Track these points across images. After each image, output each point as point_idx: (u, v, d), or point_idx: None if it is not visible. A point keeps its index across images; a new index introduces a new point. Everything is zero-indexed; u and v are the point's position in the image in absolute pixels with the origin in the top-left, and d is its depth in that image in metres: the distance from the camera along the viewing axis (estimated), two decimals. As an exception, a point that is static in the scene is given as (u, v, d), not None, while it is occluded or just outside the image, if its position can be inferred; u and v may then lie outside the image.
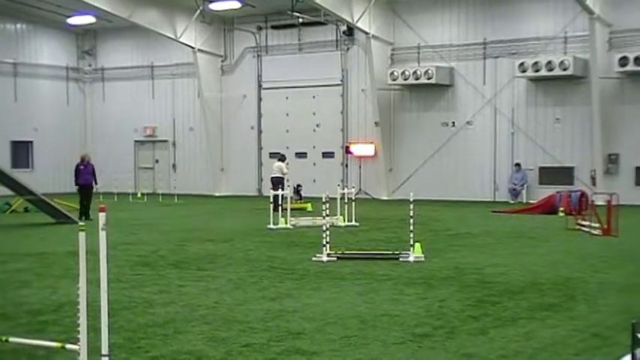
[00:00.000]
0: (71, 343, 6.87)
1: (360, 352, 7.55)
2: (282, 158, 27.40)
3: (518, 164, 30.20)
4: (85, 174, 22.94)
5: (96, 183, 23.38)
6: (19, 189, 22.72)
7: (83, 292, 6.75)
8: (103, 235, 6.68)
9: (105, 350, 6.63)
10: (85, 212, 22.33)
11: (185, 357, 7.41)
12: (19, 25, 38.15)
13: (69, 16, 36.46)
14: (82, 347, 6.72)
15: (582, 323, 8.83)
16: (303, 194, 27.92)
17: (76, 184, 23.13)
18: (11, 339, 7.48)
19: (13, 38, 37.96)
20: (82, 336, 6.72)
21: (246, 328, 8.64)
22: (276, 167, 26.93)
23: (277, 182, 25.63)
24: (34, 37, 38.76)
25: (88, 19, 36.54)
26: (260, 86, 36.18)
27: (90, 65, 40.95)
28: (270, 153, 35.35)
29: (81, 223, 6.93)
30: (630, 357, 2.80)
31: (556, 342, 7.94)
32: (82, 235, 6.69)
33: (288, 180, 26.17)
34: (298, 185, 28.27)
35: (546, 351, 7.55)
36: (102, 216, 6.70)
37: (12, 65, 37.61)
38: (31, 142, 37.98)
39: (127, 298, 10.41)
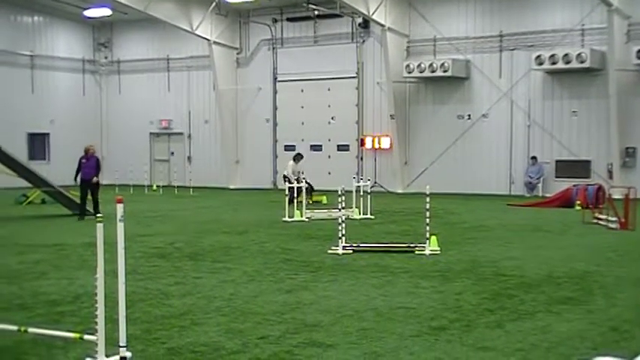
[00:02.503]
0: (89, 334, 6.92)
1: (377, 345, 7.55)
2: (295, 157, 27.06)
3: (534, 157, 30.07)
4: (87, 167, 21.24)
5: (97, 177, 21.45)
6: (36, 181, 22.86)
7: (101, 283, 6.78)
8: (120, 226, 6.71)
9: (122, 341, 6.66)
10: (94, 207, 20.85)
11: (202, 348, 7.43)
12: (35, 18, 38.28)
13: (85, 9, 36.62)
14: (99, 338, 6.77)
15: (600, 317, 8.79)
16: (314, 188, 27.09)
17: (77, 179, 21.40)
18: (30, 329, 7.54)
19: (29, 30, 38.11)
20: (100, 327, 6.76)
21: (262, 320, 8.66)
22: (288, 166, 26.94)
23: (285, 179, 25.07)
24: (51, 30, 38.91)
25: (104, 12, 36.66)
26: (275, 79, 36.17)
27: (106, 57, 41.06)
28: (285, 145, 35.37)
29: (99, 215, 6.97)
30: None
31: (573, 336, 7.92)
32: (99, 226, 6.73)
33: (297, 178, 24.86)
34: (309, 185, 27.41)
35: (563, 345, 7.52)
36: (120, 207, 6.72)
37: (29, 57, 37.77)
38: (48, 134, 38.15)
39: (144, 289, 10.45)
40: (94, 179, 21.06)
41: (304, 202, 21.83)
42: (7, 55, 36.80)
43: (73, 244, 15.30)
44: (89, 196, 21.03)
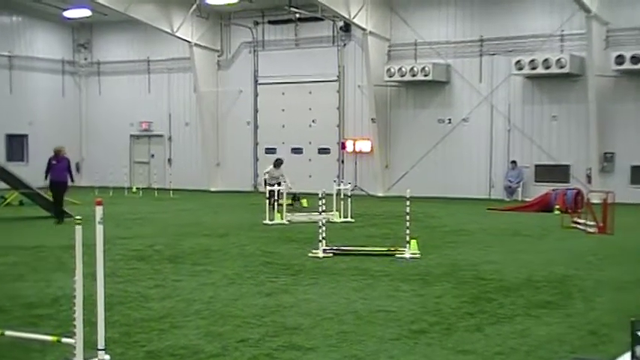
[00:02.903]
0: (67, 337, 6.87)
1: (356, 348, 7.55)
2: (275, 162, 25.24)
3: (514, 162, 30.22)
4: (58, 169, 20.49)
5: (72, 180, 21.14)
6: (14, 182, 22.71)
7: (79, 285, 6.74)
8: (99, 228, 6.67)
9: (101, 344, 6.63)
10: (59, 211, 20.41)
11: (181, 352, 7.40)
12: (14, 18, 38.00)
13: (64, 9, 36.37)
14: (78, 341, 6.72)
15: (578, 321, 8.84)
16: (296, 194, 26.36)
17: (47, 180, 20.68)
18: (7, 332, 7.48)
19: (8, 31, 37.81)
20: (78, 330, 6.72)
21: (242, 323, 8.64)
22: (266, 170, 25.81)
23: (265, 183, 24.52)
24: (30, 30, 38.60)
25: (83, 13, 36.43)
26: (256, 81, 36.12)
27: (86, 59, 40.83)
28: (266, 148, 35.34)
29: (78, 217, 6.92)
30: (630, 355, 2.79)
31: (552, 339, 7.95)
32: (78, 228, 6.69)
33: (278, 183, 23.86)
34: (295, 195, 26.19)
35: (542, 348, 7.56)
36: (99, 209, 6.69)
37: (7, 58, 37.46)
38: (26, 135, 37.85)
39: (123, 292, 10.40)
40: (69, 183, 20.80)
41: (284, 205, 21.78)
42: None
43: (52, 247, 15.19)
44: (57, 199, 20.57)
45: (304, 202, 26.34)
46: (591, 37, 27.54)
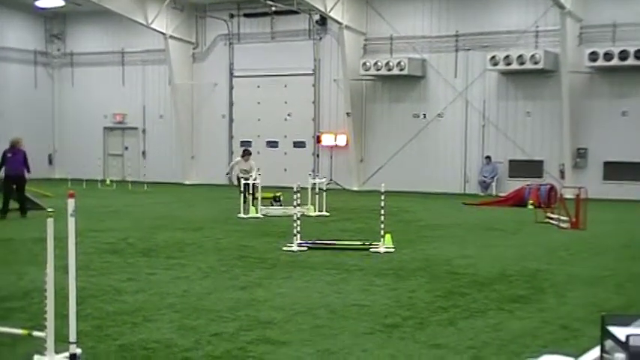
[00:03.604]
0: (38, 330, 6.82)
1: (330, 342, 7.55)
2: (243, 154, 24.00)
3: (488, 157, 30.40)
4: (13, 162, 19.47)
5: (29, 171, 20.07)
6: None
7: (51, 278, 6.69)
8: (72, 221, 6.62)
9: (73, 338, 6.58)
10: (20, 206, 19.56)
11: (154, 345, 7.37)
12: (-14, 7, 37.61)
13: (37, -1, 36.03)
14: (49, 334, 6.68)
15: (550, 315, 8.90)
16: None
17: (1, 173, 19.78)
18: (-23, 326, 7.41)
19: (-21, 20, 37.39)
20: (50, 323, 6.67)
21: (215, 317, 8.61)
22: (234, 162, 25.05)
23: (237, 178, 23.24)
24: (1, 20, 38.14)
25: (56, 2, 36.06)
26: (232, 74, 36.02)
27: (59, 50, 40.48)
28: (242, 141, 35.25)
29: (49, 209, 6.87)
30: (599, 348, 2.82)
31: (524, 333, 8.01)
32: (50, 221, 6.63)
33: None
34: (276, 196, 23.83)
35: (515, 342, 7.60)
36: (71, 202, 6.64)
37: (-22, 49, 37.09)
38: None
39: (95, 285, 10.34)
40: (26, 176, 19.91)
41: (259, 199, 21.67)
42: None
43: (22, 239, 15.07)
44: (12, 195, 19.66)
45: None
46: (565, 33, 27.75)
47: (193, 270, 11.80)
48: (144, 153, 38.45)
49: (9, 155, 19.69)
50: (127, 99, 38.47)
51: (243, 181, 22.00)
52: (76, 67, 40.20)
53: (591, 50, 27.37)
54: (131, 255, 13.40)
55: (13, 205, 19.82)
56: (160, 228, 17.56)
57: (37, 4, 36.60)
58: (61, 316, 6.76)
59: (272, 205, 22.65)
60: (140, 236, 15.99)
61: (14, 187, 19.70)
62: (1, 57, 37.99)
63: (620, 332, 2.79)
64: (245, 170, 22.85)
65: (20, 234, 15.95)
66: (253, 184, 21.93)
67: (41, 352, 6.68)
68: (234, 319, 8.48)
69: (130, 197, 28.08)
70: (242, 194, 21.23)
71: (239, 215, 20.25)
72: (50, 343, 6.67)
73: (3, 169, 19.67)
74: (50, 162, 40.25)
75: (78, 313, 6.80)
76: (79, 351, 6.62)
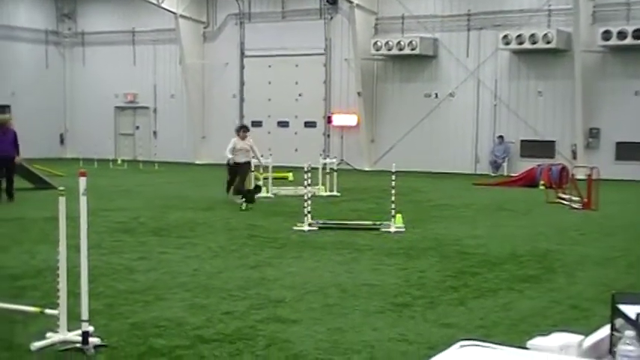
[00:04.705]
0: (51, 309, 6.88)
1: (340, 321, 7.59)
2: (238, 130, 19.93)
3: (501, 136, 30.28)
4: (3, 143, 18.37)
5: (18, 154, 18.79)
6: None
7: (63, 257, 6.75)
8: (83, 200, 6.66)
9: (85, 316, 6.64)
10: (7, 190, 18.49)
11: (165, 323, 7.43)
12: (-3, -13, 37.61)
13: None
14: (61, 312, 6.74)
15: (561, 295, 8.92)
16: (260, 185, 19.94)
17: None
18: (-10, 303, 7.48)
19: (-10, 0, 37.41)
20: (62, 301, 6.73)
21: (226, 295, 8.66)
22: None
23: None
24: None
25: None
26: (242, 54, 35.94)
27: (70, 29, 40.45)
28: (252, 121, 35.16)
29: (60, 188, 6.90)
30: (610, 326, 2.83)
31: (534, 313, 8.03)
32: (62, 200, 6.67)
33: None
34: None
35: (525, 322, 7.63)
36: (82, 181, 6.67)
37: (-12, 28, 37.12)
38: (9, 106, 37.51)
39: (107, 264, 10.40)
40: (17, 159, 18.80)
41: (270, 175, 21.47)
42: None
43: (35, 218, 15.14)
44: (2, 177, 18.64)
45: (290, 175, 26.19)
46: (578, 12, 27.49)
47: (204, 249, 11.85)
48: (155, 133, 38.48)
49: None
50: (137, 78, 38.45)
51: (232, 160, 18.73)
52: (87, 47, 40.19)
53: (604, 29, 27.14)
54: (142, 234, 13.47)
55: (18, 183, 19.73)
56: (170, 207, 17.61)
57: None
58: (74, 295, 6.82)
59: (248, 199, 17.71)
60: (151, 215, 16.06)
61: (4, 169, 18.61)
62: (13, 36, 37.98)
63: (630, 310, 2.80)
64: (243, 151, 18.87)
65: (32, 213, 16.03)
66: (248, 162, 18.95)
67: (54, 330, 6.75)
68: (245, 298, 8.53)
69: (141, 177, 28.16)
70: (229, 183, 19.01)
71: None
72: (63, 321, 6.74)
73: None
74: (62, 141, 40.38)
75: (90, 292, 6.87)
76: (91, 329, 6.68)
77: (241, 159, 18.74)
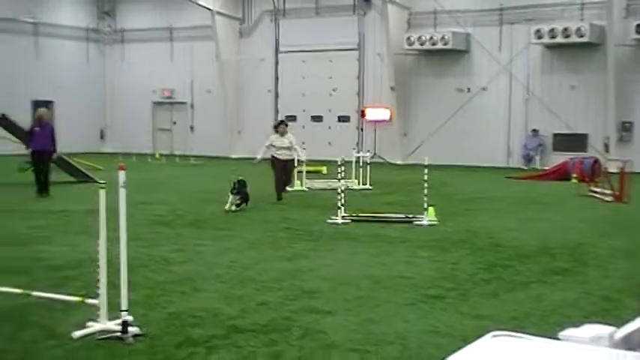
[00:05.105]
0: (91, 298, 6.96)
1: (373, 312, 7.59)
2: (277, 126, 18.50)
3: (535, 130, 30.05)
4: (41, 137, 18.15)
5: (54, 150, 18.49)
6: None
7: (103, 249, 6.82)
8: (122, 192, 6.72)
9: (124, 306, 6.70)
10: (43, 184, 18.25)
11: (202, 313, 7.48)
12: (39, -15, 38.01)
13: (89, -22, 36.37)
14: (101, 302, 6.81)
15: (592, 287, 8.84)
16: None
17: (29, 150, 18.59)
18: (34, 293, 7.59)
19: (33, -1, 37.83)
20: (102, 291, 6.81)
21: (261, 286, 8.70)
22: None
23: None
24: (55, -2, 38.68)
25: (108, -19, 36.40)
26: (277, 50, 36.01)
27: (109, 26, 40.83)
28: (287, 116, 35.20)
29: (101, 182, 6.97)
30: (641, 319, 2.80)
31: (566, 305, 7.97)
32: (102, 193, 6.74)
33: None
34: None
35: (556, 313, 7.57)
36: (122, 174, 6.74)
37: (32, 25, 37.51)
38: (52, 101, 38.00)
39: (146, 256, 10.49)
40: (54, 155, 18.57)
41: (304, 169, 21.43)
42: (10, 23, 36.33)
43: (77, 211, 15.30)
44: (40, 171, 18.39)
45: (324, 169, 26.18)
46: (612, 5, 27.19)
47: (240, 241, 11.91)
48: (192, 127, 38.73)
49: (37, 129, 18.44)
50: (175, 74, 38.69)
51: (275, 157, 17.70)
52: (126, 44, 40.54)
53: (638, 22, 26.79)
54: (180, 226, 13.57)
55: (60, 177, 19.90)
56: (207, 200, 17.70)
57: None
58: (113, 285, 6.89)
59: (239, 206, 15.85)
60: (188, 208, 16.16)
61: (40, 163, 18.33)
62: (56, 34, 38.46)
63: (661, 303, 2.77)
64: (284, 148, 17.74)
65: (75, 205, 16.21)
66: (292, 160, 18.19)
67: (94, 319, 6.83)
68: (280, 289, 8.55)
69: (179, 170, 28.35)
70: (276, 181, 17.74)
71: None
72: (103, 311, 6.81)
73: (31, 145, 18.44)
74: (102, 136, 40.81)
75: (129, 282, 6.93)
76: (130, 318, 6.75)
77: (283, 156, 17.61)
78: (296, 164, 18.73)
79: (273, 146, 17.69)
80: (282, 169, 17.75)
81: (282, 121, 18.64)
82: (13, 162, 23.71)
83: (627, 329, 2.86)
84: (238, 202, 15.59)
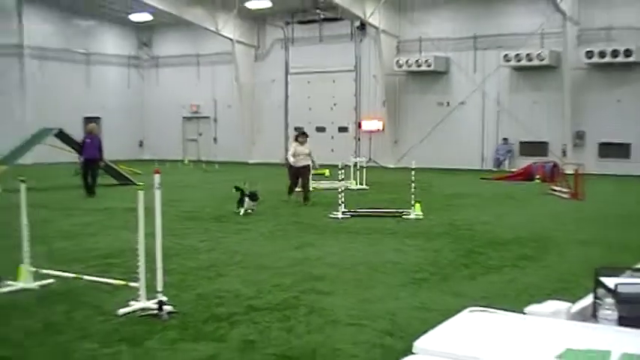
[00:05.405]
0: (133, 282, 6.98)
1: (369, 293, 7.59)
2: (297, 137, 17.33)
3: (505, 139, 30.04)
4: (90, 148, 18.51)
5: (101, 158, 18.75)
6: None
7: (142, 240, 6.83)
8: (157, 193, 6.74)
9: (160, 288, 6.72)
10: (90, 188, 18.36)
11: (225, 294, 7.49)
12: (90, 22, 38.06)
13: (130, 13, 36.44)
14: (141, 285, 6.83)
15: (553, 270, 8.83)
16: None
17: (81, 158, 18.97)
18: (85, 277, 7.62)
19: (85, 32, 37.88)
20: (141, 276, 6.82)
21: (274, 272, 8.70)
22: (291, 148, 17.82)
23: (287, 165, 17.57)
24: (102, 31, 38.67)
25: (145, 16, 36.48)
26: (287, 72, 36.01)
27: (147, 54, 40.87)
28: (295, 127, 35.26)
29: (139, 184, 6.99)
30: (592, 295, 2.82)
31: (532, 285, 7.96)
32: (140, 193, 6.76)
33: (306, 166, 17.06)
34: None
35: (524, 293, 7.57)
36: (157, 177, 6.76)
37: (85, 55, 37.67)
38: (99, 117, 38.05)
39: (178, 246, 10.50)
40: (101, 162, 18.85)
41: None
42: (67, 53, 36.69)
43: (119, 208, 15.34)
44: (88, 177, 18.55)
45: (326, 172, 26.12)
46: (566, 35, 27.18)
47: (256, 234, 11.91)
48: (215, 138, 38.74)
49: (87, 141, 18.77)
50: (201, 93, 38.73)
51: (294, 164, 16.72)
52: (160, 68, 40.56)
53: (588, 49, 26.76)
54: (206, 221, 13.57)
55: (105, 180, 19.90)
56: (228, 199, 17.62)
57: (130, 18, 37.06)
58: (150, 270, 6.91)
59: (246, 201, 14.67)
60: (213, 206, 16.17)
61: (89, 169, 18.52)
62: (103, 61, 38.61)
63: (609, 282, 2.78)
64: (303, 155, 16.81)
65: (117, 204, 16.24)
66: (308, 165, 17.05)
67: (135, 299, 6.84)
68: (290, 274, 8.56)
69: (204, 174, 28.36)
70: (290, 187, 17.02)
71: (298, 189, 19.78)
72: (142, 292, 6.83)
73: (83, 154, 18.77)
74: (140, 146, 40.85)
75: (164, 268, 6.94)
76: (165, 298, 6.76)
77: (302, 163, 16.71)
78: (311, 170, 17.79)
79: (295, 154, 16.77)
80: (299, 174, 16.87)
81: (303, 132, 17.71)
82: (69, 169, 23.81)
83: (581, 304, 2.86)
84: (253, 207, 14.52)
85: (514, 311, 2.54)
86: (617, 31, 27.15)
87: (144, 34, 40.75)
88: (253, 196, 14.60)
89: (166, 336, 6.06)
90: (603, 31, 27.37)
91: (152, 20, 37.57)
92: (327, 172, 26.28)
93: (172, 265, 8.88)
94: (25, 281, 7.73)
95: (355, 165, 21.81)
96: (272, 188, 20.95)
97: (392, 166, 31.93)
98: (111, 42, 39.32)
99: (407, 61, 30.93)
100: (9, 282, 7.72)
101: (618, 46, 26.39)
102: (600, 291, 2.84)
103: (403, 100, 32.62)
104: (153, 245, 6.82)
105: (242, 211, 14.35)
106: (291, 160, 16.64)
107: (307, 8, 32.98)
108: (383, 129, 32.77)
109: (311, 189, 17.47)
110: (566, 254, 10.02)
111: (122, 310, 6.68)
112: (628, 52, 26.13)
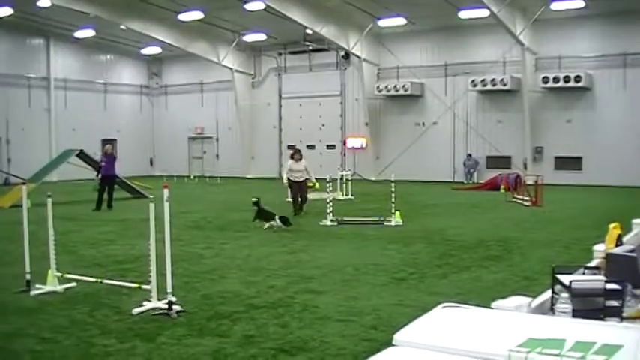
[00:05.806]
0: (145, 284, 6.95)
1: (355, 291, 7.59)
2: (292, 155, 17.16)
3: (469, 155, 30.14)
4: (107, 166, 18.60)
5: (117, 176, 19.21)
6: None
7: (153, 247, 6.81)
8: (166, 205, 6.73)
9: (169, 289, 6.70)
10: (107, 201, 18.32)
11: (227, 294, 7.47)
12: (107, 56, 38.13)
13: (142, 48, 36.48)
14: (153, 287, 6.81)
15: (516, 269, 8.86)
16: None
17: (99, 175, 18.99)
18: (104, 281, 7.58)
19: (103, 65, 37.93)
20: (153, 279, 6.79)
21: (270, 274, 8.69)
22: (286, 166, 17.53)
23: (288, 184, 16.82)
24: (117, 64, 38.61)
25: (155, 50, 36.52)
26: (280, 96, 36.03)
27: (157, 83, 40.79)
28: (288, 145, 35.26)
29: (151, 197, 6.97)
30: (550, 290, 2.83)
31: (498, 283, 7.98)
32: (151, 206, 6.74)
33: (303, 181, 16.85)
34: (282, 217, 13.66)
35: (491, 289, 7.59)
36: (166, 191, 6.75)
37: (103, 85, 37.68)
38: (115, 139, 37.95)
39: (184, 252, 10.47)
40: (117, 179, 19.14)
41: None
42: (87, 84, 36.63)
43: (134, 219, 15.28)
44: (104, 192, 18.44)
45: (316, 184, 26.04)
46: (525, 63, 27.38)
47: (254, 240, 11.89)
48: (217, 156, 38.66)
49: (104, 160, 18.85)
50: (204, 116, 38.65)
51: (293, 180, 16.35)
52: (168, 95, 40.47)
53: (544, 75, 26.98)
54: (209, 230, 13.54)
55: (120, 194, 19.76)
56: (229, 210, 17.67)
57: (142, 51, 37.12)
58: (161, 274, 6.89)
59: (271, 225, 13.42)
60: (215, 216, 16.12)
61: (107, 186, 18.51)
62: (119, 90, 38.57)
63: (565, 278, 2.80)
64: (299, 171, 16.40)
65: (132, 215, 16.17)
66: (305, 180, 16.62)
67: (148, 300, 6.81)
68: (285, 276, 8.54)
69: (208, 188, 28.28)
70: (293, 198, 16.59)
71: (287, 199, 19.67)
72: (154, 293, 6.80)
73: (101, 172, 18.78)
74: (151, 163, 40.69)
75: (172, 272, 6.92)
76: (174, 299, 6.74)
77: (299, 178, 16.35)
78: (309, 184, 17.52)
79: (291, 170, 16.36)
80: (298, 189, 16.55)
81: (298, 150, 17.26)
82: (89, 185, 23.69)
83: (540, 299, 2.88)
84: (277, 227, 13.12)
85: (482, 306, 2.55)
86: (568, 59, 27.44)
87: (154, 65, 40.71)
88: (285, 222, 13.18)
89: (175, 332, 6.04)
90: (556, 60, 27.62)
91: (161, 53, 37.58)
92: (316, 184, 26.20)
93: (180, 269, 8.86)
94: (53, 285, 7.71)
95: (342, 178, 21.80)
96: (268, 200, 20.90)
97: (374, 178, 31.95)
98: (125, 73, 39.28)
99: (386, 86, 31.03)
100: (38, 285, 7.69)
101: (569, 72, 26.67)
102: (557, 287, 2.86)
103: (383, 120, 32.70)
104: (163, 252, 6.80)
105: (266, 225, 13.30)
106: (284, 177, 16.39)
107: (298, 40, 33.05)
108: (366, 146, 32.82)
109: (307, 202, 17.21)
110: (528, 254, 10.06)
111: (136, 310, 6.65)
112: (578, 78, 26.43)
